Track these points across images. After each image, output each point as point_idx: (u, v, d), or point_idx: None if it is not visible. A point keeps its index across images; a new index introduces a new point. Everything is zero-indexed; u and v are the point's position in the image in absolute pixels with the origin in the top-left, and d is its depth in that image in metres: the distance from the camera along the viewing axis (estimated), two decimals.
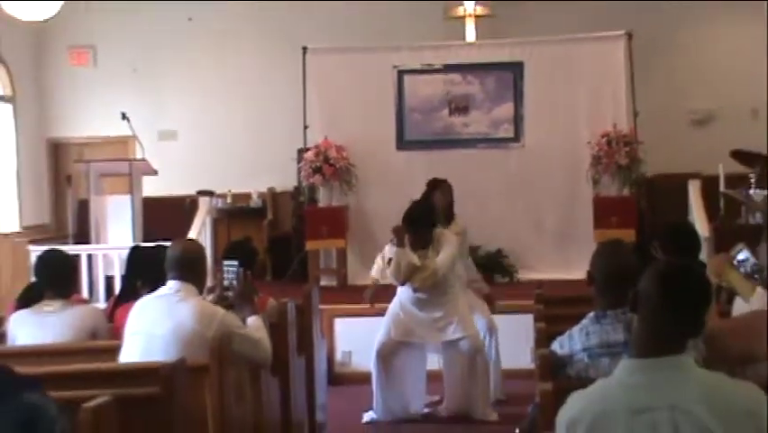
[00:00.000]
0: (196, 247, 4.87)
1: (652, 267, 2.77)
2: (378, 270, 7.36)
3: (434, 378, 7.31)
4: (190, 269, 4.53)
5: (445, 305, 7.02)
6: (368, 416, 7.18)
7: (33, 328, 4.84)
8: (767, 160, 10.38)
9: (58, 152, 13.26)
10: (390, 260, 6.89)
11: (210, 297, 4.84)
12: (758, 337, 3.60)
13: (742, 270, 4.44)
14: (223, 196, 12.11)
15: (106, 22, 12.75)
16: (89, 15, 12.50)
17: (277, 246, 11.74)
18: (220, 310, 4.50)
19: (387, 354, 7.07)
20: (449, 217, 7.53)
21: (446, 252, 6.92)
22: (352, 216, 10.90)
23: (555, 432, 2.65)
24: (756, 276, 4.37)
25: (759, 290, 4.27)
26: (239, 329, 4.50)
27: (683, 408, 2.50)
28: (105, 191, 10.89)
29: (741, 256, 4.48)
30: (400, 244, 6.84)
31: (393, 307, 7.12)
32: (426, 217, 6.99)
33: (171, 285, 4.49)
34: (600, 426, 2.55)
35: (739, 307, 4.43)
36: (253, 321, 4.72)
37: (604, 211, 10.35)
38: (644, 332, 2.66)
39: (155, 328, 4.36)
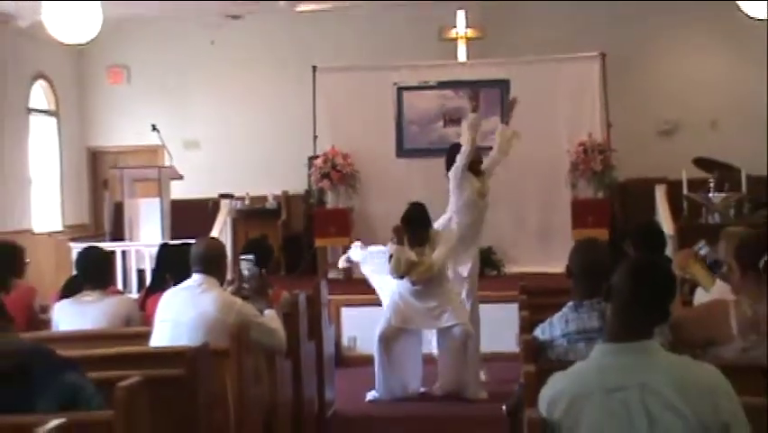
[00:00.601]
0: (218, 244, 4.88)
1: (623, 262, 2.78)
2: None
3: (429, 361, 7.31)
4: (212, 264, 4.53)
5: (440, 296, 7.01)
6: (371, 395, 7.17)
7: (74, 316, 4.84)
8: (724, 167, 10.40)
9: (96, 159, 13.24)
10: (391, 256, 6.89)
11: (229, 288, 4.84)
12: (717, 324, 3.61)
13: None
14: (241, 198, 12.06)
15: (139, 45, 12.75)
16: (124, 39, 12.50)
17: (290, 244, 11.71)
18: (238, 300, 4.51)
19: (388, 340, 7.06)
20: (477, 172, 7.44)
21: (441, 249, 6.92)
22: (356, 216, 10.88)
23: (538, 408, 2.66)
24: (716, 269, 4.38)
25: (718, 281, 4.28)
26: (255, 318, 4.50)
27: (651, 387, 2.50)
28: (137, 194, 10.88)
29: (702, 252, 4.48)
30: (400, 242, 6.83)
31: (393, 297, 7.12)
32: (423, 218, 6.99)
33: (195, 278, 4.49)
34: (578, 403, 2.56)
35: (700, 296, 4.43)
36: (269, 313, 4.73)
37: (581, 212, 10.33)
38: (617, 320, 2.66)
39: (181, 316, 4.36)
